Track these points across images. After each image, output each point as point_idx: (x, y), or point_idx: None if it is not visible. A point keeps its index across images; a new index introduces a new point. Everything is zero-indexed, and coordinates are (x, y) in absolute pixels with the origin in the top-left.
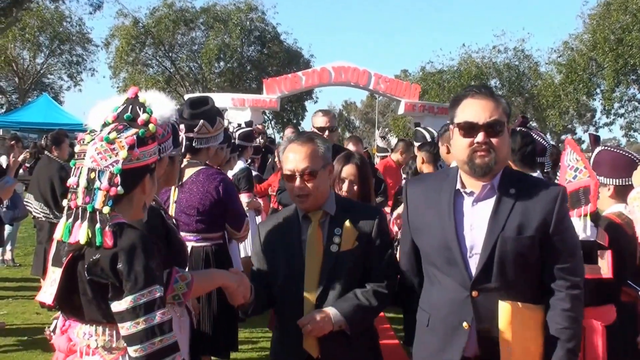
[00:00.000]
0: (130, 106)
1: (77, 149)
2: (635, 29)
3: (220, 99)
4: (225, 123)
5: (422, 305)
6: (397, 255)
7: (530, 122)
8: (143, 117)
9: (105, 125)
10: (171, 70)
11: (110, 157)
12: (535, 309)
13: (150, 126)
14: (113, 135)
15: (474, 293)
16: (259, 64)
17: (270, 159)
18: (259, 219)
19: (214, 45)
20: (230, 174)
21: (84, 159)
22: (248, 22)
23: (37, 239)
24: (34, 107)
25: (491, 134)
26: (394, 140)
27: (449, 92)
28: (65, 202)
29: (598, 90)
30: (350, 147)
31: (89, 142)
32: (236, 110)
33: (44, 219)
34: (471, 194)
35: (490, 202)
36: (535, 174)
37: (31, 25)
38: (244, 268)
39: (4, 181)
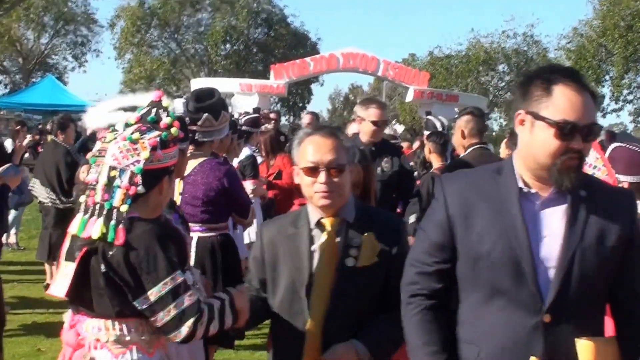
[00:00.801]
0: (154, 109)
1: (98, 146)
2: None
3: (228, 84)
4: (230, 110)
5: (464, 337)
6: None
7: None
8: (166, 120)
9: (127, 125)
10: (177, 52)
11: (132, 157)
12: (613, 342)
13: (173, 130)
14: (136, 135)
15: (547, 318)
16: (265, 46)
17: None
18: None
19: (220, 27)
20: (235, 161)
21: (104, 156)
22: (255, 4)
23: (43, 224)
24: (38, 88)
25: (587, 139)
26: (399, 128)
27: (457, 77)
28: (82, 198)
29: (607, 77)
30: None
31: (110, 141)
32: (243, 95)
33: (49, 204)
34: (536, 195)
35: (561, 207)
36: None
37: (36, 5)
38: (249, 255)
39: (12, 171)
